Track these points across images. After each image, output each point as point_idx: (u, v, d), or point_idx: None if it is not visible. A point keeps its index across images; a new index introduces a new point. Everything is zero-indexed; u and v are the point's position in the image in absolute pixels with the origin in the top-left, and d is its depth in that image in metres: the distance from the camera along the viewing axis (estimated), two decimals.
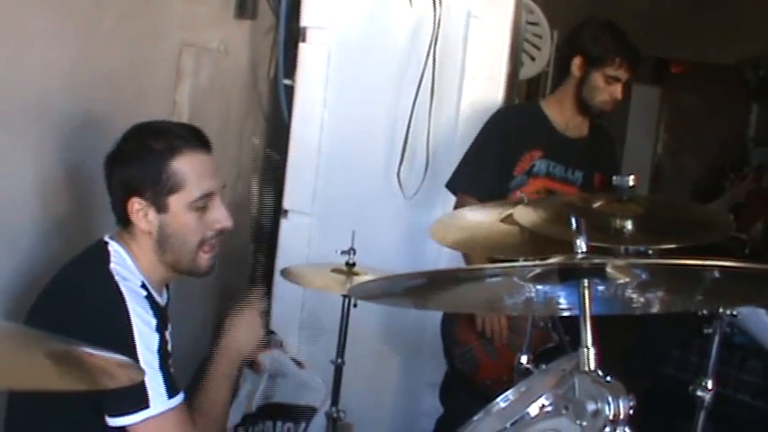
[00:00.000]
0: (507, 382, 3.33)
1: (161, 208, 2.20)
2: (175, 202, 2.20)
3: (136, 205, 2.19)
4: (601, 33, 3.42)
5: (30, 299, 2.25)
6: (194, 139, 2.27)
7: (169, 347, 2.19)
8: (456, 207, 3.43)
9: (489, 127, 3.48)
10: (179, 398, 2.10)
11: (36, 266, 2.50)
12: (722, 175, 5.71)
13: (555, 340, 2.73)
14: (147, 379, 2.03)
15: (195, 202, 2.21)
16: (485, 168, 3.42)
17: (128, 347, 2.03)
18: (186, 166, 2.20)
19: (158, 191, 2.19)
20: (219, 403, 2.33)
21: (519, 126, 3.48)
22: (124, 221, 2.24)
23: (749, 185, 5.30)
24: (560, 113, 3.48)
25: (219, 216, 2.26)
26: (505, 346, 3.34)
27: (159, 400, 2.05)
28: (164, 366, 2.09)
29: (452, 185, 3.50)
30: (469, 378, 3.42)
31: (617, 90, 3.37)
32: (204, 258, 2.28)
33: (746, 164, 6.84)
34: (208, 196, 2.23)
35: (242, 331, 2.41)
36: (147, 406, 2.03)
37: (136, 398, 2.03)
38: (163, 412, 2.05)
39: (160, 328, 2.13)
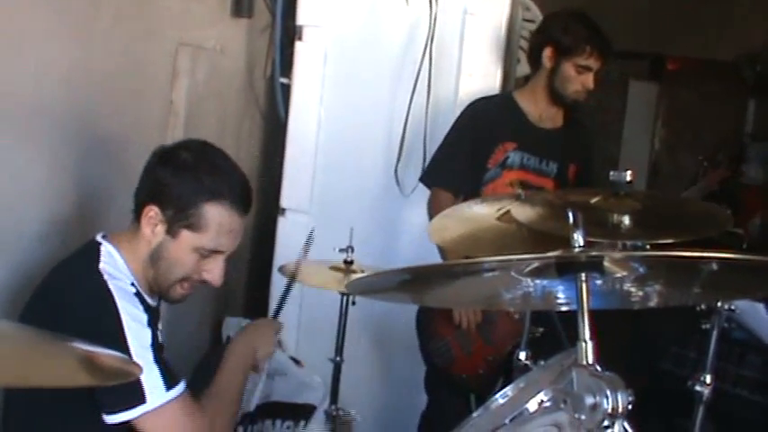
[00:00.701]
0: (483, 376, 3.36)
1: (171, 232, 2.19)
2: (186, 237, 2.18)
3: (151, 213, 2.18)
4: (571, 23, 3.41)
5: (24, 299, 2.25)
6: (241, 198, 2.25)
7: (160, 339, 2.18)
8: (430, 201, 3.44)
9: (462, 120, 3.47)
10: (179, 388, 2.09)
11: (33, 267, 2.49)
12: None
13: (534, 332, 2.73)
14: (141, 375, 2.02)
15: (202, 249, 2.20)
16: (458, 162, 3.41)
17: (119, 344, 2.02)
18: (217, 216, 2.18)
19: (179, 217, 2.17)
20: (231, 391, 2.30)
21: (492, 118, 3.45)
22: (137, 215, 2.23)
23: (722, 174, 5.27)
24: (533, 105, 3.46)
25: (215, 273, 2.25)
26: (480, 338, 3.35)
27: (156, 393, 2.04)
28: (158, 359, 2.08)
29: (426, 179, 3.50)
30: (445, 371, 3.42)
31: (588, 79, 3.36)
32: (179, 292, 2.27)
33: (742, 159, 6.85)
34: (217, 252, 2.23)
35: (259, 334, 2.44)
36: (143, 401, 2.03)
37: (130, 394, 2.02)
38: (162, 405, 2.05)
39: (151, 323, 2.13)
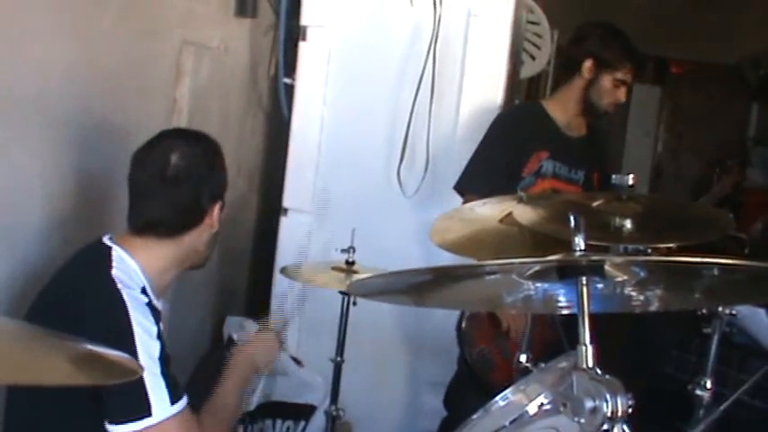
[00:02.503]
0: None
1: (224, 206, 2.36)
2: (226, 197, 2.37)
3: (216, 208, 2.32)
4: (610, 39, 3.50)
5: (28, 297, 2.26)
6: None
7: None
8: None
9: (496, 128, 3.50)
10: (182, 403, 2.08)
11: (35, 265, 2.50)
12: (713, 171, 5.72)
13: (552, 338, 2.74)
14: (148, 386, 2.02)
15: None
16: (492, 169, 3.42)
17: (129, 355, 2.02)
18: (224, 162, 2.38)
19: (225, 191, 2.36)
20: (230, 407, 2.34)
21: (526, 127, 3.50)
22: (183, 227, 2.28)
23: (735, 178, 5.30)
24: (563, 113, 3.51)
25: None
26: (518, 344, 3.35)
27: (161, 406, 2.04)
28: (165, 372, 2.08)
29: (460, 187, 3.49)
30: (484, 379, 3.41)
31: (623, 93, 3.46)
32: None
33: (745, 162, 6.84)
34: None
35: (259, 346, 2.47)
36: (149, 414, 2.02)
37: (137, 405, 2.02)
38: (166, 419, 2.04)
39: (161, 336, 2.13)
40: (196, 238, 2.30)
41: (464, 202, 3.45)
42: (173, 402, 2.06)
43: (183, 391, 2.12)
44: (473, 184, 3.45)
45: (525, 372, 2.64)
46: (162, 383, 2.05)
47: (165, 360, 2.10)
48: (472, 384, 3.45)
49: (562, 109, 3.52)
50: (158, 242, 2.24)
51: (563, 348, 2.73)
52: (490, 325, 3.38)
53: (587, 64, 3.45)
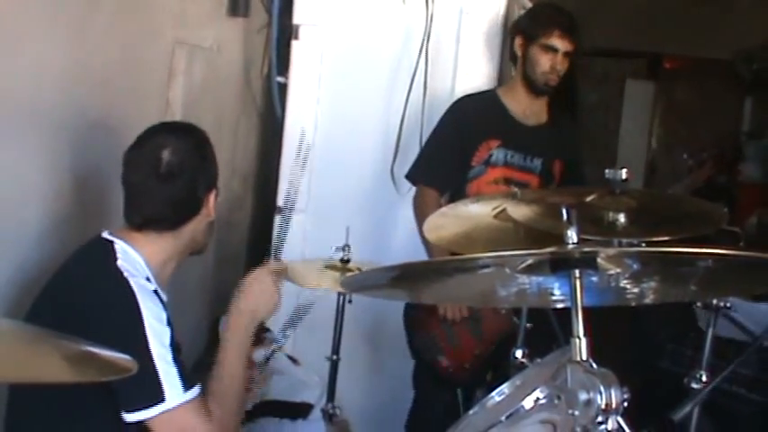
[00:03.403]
0: (470, 370, 3.37)
1: (218, 193, 2.37)
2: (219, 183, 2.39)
3: (212, 197, 2.34)
4: (536, 10, 3.55)
5: (24, 299, 2.25)
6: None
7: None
8: (416, 198, 3.46)
9: (446, 118, 3.49)
10: (195, 390, 2.09)
11: (33, 265, 2.50)
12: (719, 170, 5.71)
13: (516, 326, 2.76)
14: (161, 373, 2.04)
15: None
16: (443, 159, 3.44)
17: (141, 343, 2.04)
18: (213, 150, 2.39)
19: (218, 178, 2.37)
20: (236, 377, 2.23)
21: (476, 116, 3.47)
22: (180, 221, 2.28)
23: (707, 172, 5.29)
24: (515, 100, 3.48)
25: None
26: (467, 332, 3.35)
27: (175, 393, 2.05)
28: (177, 359, 2.09)
29: (412, 177, 3.52)
30: (432, 366, 3.42)
31: (556, 60, 3.38)
32: None
33: (739, 157, 6.85)
34: None
35: (257, 292, 2.31)
36: (162, 399, 2.03)
37: (151, 392, 2.03)
38: (179, 405, 2.05)
39: (170, 322, 2.13)
40: (194, 228, 2.32)
41: (416, 192, 3.47)
42: (186, 389, 2.07)
43: (196, 380, 2.12)
44: (425, 173, 3.47)
45: (521, 367, 2.65)
46: (174, 370, 2.06)
47: (175, 347, 2.11)
48: (425, 371, 3.47)
49: (514, 96, 3.49)
50: (159, 236, 2.26)
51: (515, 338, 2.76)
52: (431, 311, 3.36)
53: (517, 42, 3.45)
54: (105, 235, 2.25)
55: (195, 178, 2.28)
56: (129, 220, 2.27)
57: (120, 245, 2.21)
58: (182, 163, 2.25)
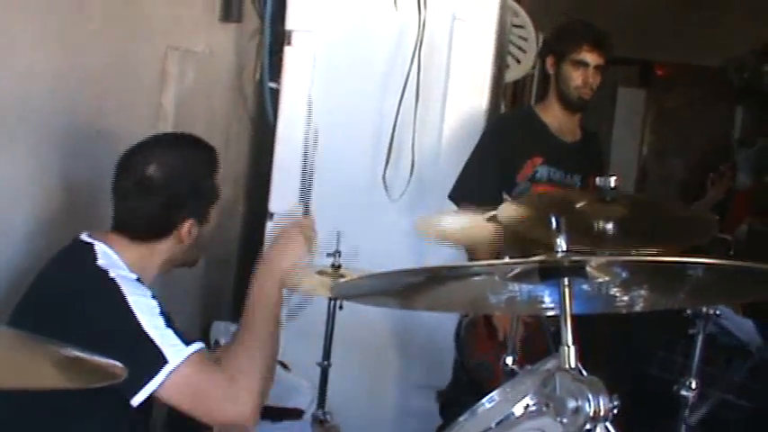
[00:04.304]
0: None
1: (203, 221, 2.30)
2: (213, 211, 2.33)
3: (186, 226, 2.26)
4: (563, 27, 3.62)
5: (11, 301, 2.25)
6: (216, 154, 2.38)
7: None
8: None
9: (489, 135, 3.53)
10: (197, 344, 2.07)
11: (20, 267, 2.49)
12: (707, 176, 5.75)
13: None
14: (157, 340, 2.02)
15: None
16: (486, 177, 3.45)
17: (129, 319, 2.03)
18: (218, 177, 2.33)
19: (207, 207, 2.31)
20: (264, 330, 2.18)
21: (519, 132, 3.54)
22: (150, 237, 2.25)
23: (728, 183, 5.33)
24: (552, 117, 3.54)
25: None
26: (520, 354, 3.34)
27: (176, 350, 2.02)
28: (170, 324, 2.07)
29: (456, 196, 3.51)
30: (483, 387, 3.41)
31: (587, 74, 3.45)
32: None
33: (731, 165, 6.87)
34: None
35: (286, 247, 2.28)
36: (165, 362, 2.01)
37: (152, 360, 2.01)
38: (185, 359, 2.02)
39: (156, 296, 2.13)
40: (169, 249, 2.28)
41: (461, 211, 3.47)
42: (187, 344, 2.05)
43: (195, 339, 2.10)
44: (468, 192, 3.46)
45: (512, 374, 2.65)
46: (169, 333, 2.05)
47: (167, 315, 2.09)
48: (470, 392, 3.45)
49: (550, 113, 3.56)
50: (132, 243, 2.24)
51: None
52: (488, 334, 3.37)
53: (549, 61, 3.53)
54: (84, 237, 2.24)
55: (171, 201, 2.24)
56: (112, 220, 2.28)
57: (99, 247, 2.21)
58: (163, 181, 2.23)
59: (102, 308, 2.08)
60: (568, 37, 3.49)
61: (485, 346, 3.38)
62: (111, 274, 2.12)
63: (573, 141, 3.58)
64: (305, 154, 3.88)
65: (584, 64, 3.43)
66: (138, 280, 2.17)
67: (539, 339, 3.31)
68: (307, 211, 2.45)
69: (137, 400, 2.03)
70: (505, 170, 3.44)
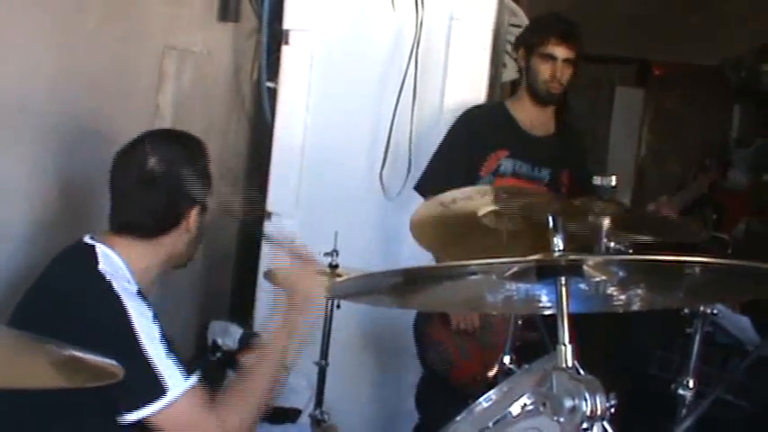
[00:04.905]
0: (481, 382, 3.35)
1: (205, 209, 2.32)
2: (210, 200, 2.34)
3: (194, 214, 2.28)
4: (536, 21, 3.62)
5: (11, 302, 2.25)
6: (204, 145, 2.38)
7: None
8: None
9: (455, 129, 3.51)
10: (194, 378, 2.10)
11: (19, 268, 2.49)
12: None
13: (532, 338, 2.74)
14: (159, 368, 2.04)
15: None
16: (452, 170, 3.42)
17: (132, 344, 2.04)
18: (209, 165, 2.34)
19: (207, 194, 2.31)
20: (267, 388, 2.23)
21: (484, 126, 3.50)
22: (158, 231, 2.26)
23: (712, 177, 5.33)
24: (523, 111, 3.51)
25: None
26: (478, 344, 3.35)
27: (176, 382, 2.05)
28: (171, 352, 2.09)
29: (421, 188, 3.51)
30: (444, 378, 3.42)
31: (555, 68, 3.40)
32: None
33: (728, 164, 6.87)
34: None
35: (304, 280, 2.35)
36: (164, 393, 2.04)
37: (152, 388, 2.03)
38: (183, 393, 2.05)
39: (157, 317, 2.13)
40: (175, 241, 2.29)
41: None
42: (186, 378, 2.07)
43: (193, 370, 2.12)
44: (434, 185, 3.45)
45: (509, 373, 2.65)
46: (171, 362, 2.07)
47: (167, 340, 2.11)
48: (437, 384, 3.46)
49: (521, 107, 3.53)
50: (136, 242, 2.25)
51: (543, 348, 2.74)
52: (441, 322, 3.37)
53: (520, 53, 3.51)
54: (86, 239, 2.24)
55: (178, 190, 2.25)
56: (110, 222, 2.28)
57: (101, 249, 2.21)
58: (166, 172, 2.24)
59: (105, 325, 2.07)
60: (537, 30, 3.48)
61: (442, 336, 3.38)
62: (114, 285, 2.12)
63: (544, 135, 3.54)
64: (302, 153, 3.88)
65: (553, 57, 3.39)
66: (140, 292, 2.17)
67: (499, 326, 3.32)
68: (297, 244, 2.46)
69: (128, 419, 2.06)
70: (470, 164, 3.43)
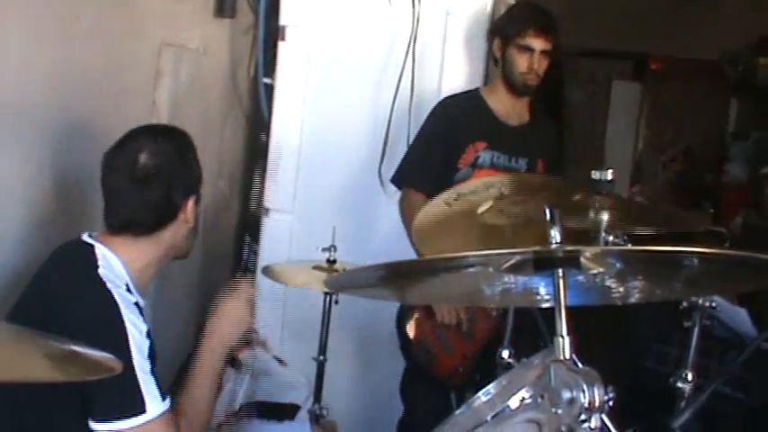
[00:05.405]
0: (462, 373, 3.35)
1: (200, 199, 2.34)
2: (202, 189, 2.36)
3: (190, 204, 2.30)
4: (511, 10, 3.53)
5: (8, 299, 2.25)
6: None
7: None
8: (401, 201, 3.43)
9: (431, 120, 3.47)
10: (168, 400, 2.11)
11: (15, 267, 2.49)
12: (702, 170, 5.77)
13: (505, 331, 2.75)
14: (141, 384, 2.04)
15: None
16: (430, 162, 3.41)
17: (124, 355, 2.03)
18: (196, 156, 2.36)
19: (199, 184, 2.34)
20: (203, 400, 2.29)
21: (462, 118, 3.46)
22: (157, 225, 2.26)
23: (680, 165, 5.34)
24: (498, 101, 3.48)
25: None
26: (458, 335, 3.34)
27: (155, 403, 2.06)
28: (154, 371, 2.10)
29: (397, 180, 3.49)
30: (427, 371, 3.41)
31: (533, 60, 3.36)
32: None
33: (725, 158, 6.89)
34: None
35: (227, 320, 2.38)
36: (143, 411, 2.04)
37: (133, 403, 2.03)
38: (160, 414, 2.06)
39: (150, 334, 2.14)
40: (174, 234, 2.30)
41: (402, 195, 3.44)
42: (163, 399, 2.08)
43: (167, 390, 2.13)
44: (411, 176, 3.44)
45: (508, 367, 2.65)
46: (152, 381, 2.08)
47: (153, 358, 2.11)
48: (420, 377, 3.45)
49: (496, 97, 3.49)
50: (136, 240, 2.25)
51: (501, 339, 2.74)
52: (425, 315, 3.36)
53: (496, 44, 3.45)
54: (86, 238, 2.24)
55: (172, 183, 2.26)
56: (107, 224, 2.27)
57: (100, 249, 2.20)
58: (158, 167, 2.24)
59: (102, 334, 2.06)
60: (514, 21, 3.41)
61: (425, 330, 3.37)
62: (114, 294, 2.11)
63: (519, 125, 3.50)
64: (299, 149, 3.88)
65: (530, 49, 3.35)
66: (137, 304, 2.16)
67: (480, 318, 3.32)
68: (254, 289, 2.48)
69: (97, 428, 2.05)
70: (448, 155, 3.40)
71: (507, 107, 3.48)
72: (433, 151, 3.42)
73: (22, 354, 1.19)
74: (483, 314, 3.32)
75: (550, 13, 3.41)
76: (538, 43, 3.35)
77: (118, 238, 2.24)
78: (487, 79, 3.82)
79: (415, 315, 3.38)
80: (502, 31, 3.44)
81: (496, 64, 3.50)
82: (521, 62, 3.36)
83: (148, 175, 2.23)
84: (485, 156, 3.41)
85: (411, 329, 3.40)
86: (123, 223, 2.25)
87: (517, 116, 3.50)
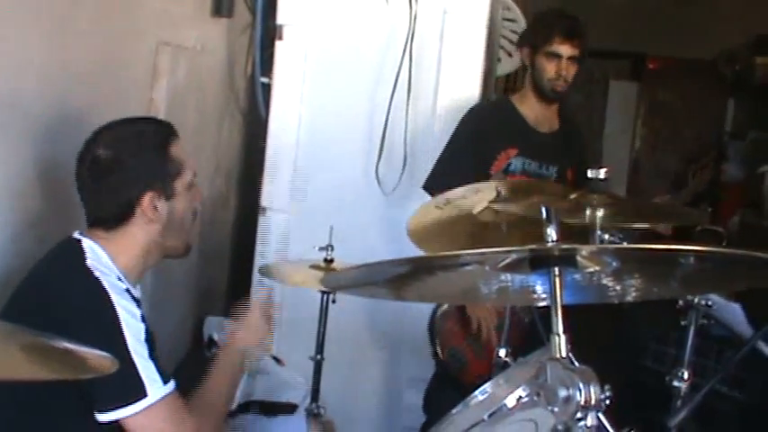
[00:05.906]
0: (488, 380, 3.34)
1: (168, 196, 2.25)
2: (178, 186, 2.27)
3: (147, 199, 2.21)
4: (537, 18, 3.60)
5: (1, 297, 2.24)
6: (171, 127, 2.35)
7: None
8: None
9: (464, 126, 3.49)
10: (172, 383, 2.09)
11: (9, 266, 2.48)
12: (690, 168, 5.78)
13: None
14: (140, 369, 2.03)
15: (191, 180, 2.31)
16: (461, 168, 3.40)
17: (118, 341, 2.03)
18: (179, 150, 2.29)
19: (165, 179, 2.25)
20: (217, 406, 2.28)
21: (494, 124, 3.50)
22: (118, 221, 2.23)
23: (710, 174, 5.36)
24: (529, 108, 3.51)
25: (198, 188, 2.37)
26: (493, 344, 3.34)
27: (155, 386, 2.05)
28: (153, 355, 2.09)
29: (429, 186, 3.48)
30: (457, 377, 3.41)
31: (561, 66, 3.41)
32: (192, 234, 2.38)
33: (723, 157, 6.89)
34: (195, 174, 2.34)
35: (245, 330, 2.41)
36: (144, 395, 2.03)
37: (132, 389, 2.02)
38: (162, 398, 2.05)
39: (144, 318, 2.13)
40: (145, 231, 2.24)
41: None
42: (165, 382, 2.07)
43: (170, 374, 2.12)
44: (442, 183, 3.42)
45: (504, 366, 2.65)
46: (152, 365, 2.06)
47: (151, 342, 2.10)
48: (449, 384, 3.45)
49: (526, 104, 3.53)
50: (112, 235, 2.22)
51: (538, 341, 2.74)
52: (461, 324, 3.37)
53: (524, 52, 3.50)
54: (75, 235, 2.23)
55: (124, 177, 2.21)
56: (86, 219, 2.27)
57: (87, 243, 2.19)
58: (112, 159, 2.21)
59: (93, 321, 2.06)
60: (541, 29, 3.47)
61: (457, 337, 3.38)
62: (103, 282, 2.10)
63: (550, 132, 3.54)
64: (296, 148, 3.88)
65: (557, 56, 3.40)
66: (128, 291, 2.15)
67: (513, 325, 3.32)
68: (270, 300, 2.52)
69: (104, 419, 2.04)
70: (480, 162, 3.42)
71: (537, 114, 3.52)
72: (465, 157, 3.43)
73: (16, 352, 1.18)
74: (515, 320, 3.32)
75: (578, 18, 3.46)
76: (565, 50, 3.39)
77: (97, 232, 2.23)
78: (485, 78, 3.82)
79: (448, 323, 3.39)
80: (530, 40, 3.49)
81: (525, 72, 3.55)
82: (549, 69, 3.41)
83: (103, 168, 2.21)
84: (516, 162, 3.43)
85: (445, 337, 3.40)
86: (91, 219, 2.25)
87: (548, 123, 3.54)
